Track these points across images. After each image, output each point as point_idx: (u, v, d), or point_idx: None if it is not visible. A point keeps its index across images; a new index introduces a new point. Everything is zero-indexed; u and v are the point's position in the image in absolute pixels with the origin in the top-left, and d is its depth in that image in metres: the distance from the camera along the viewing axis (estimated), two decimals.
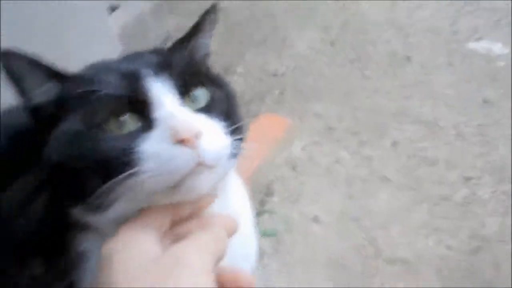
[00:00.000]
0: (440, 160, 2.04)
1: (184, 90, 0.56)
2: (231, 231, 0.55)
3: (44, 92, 0.56)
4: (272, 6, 3.12)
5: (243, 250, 0.71)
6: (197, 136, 0.48)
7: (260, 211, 1.80)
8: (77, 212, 0.56)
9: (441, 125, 2.22)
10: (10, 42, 1.03)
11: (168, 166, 0.48)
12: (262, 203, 1.84)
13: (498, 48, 2.66)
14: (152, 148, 0.49)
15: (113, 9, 2.36)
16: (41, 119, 0.57)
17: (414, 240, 1.71)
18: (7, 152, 0.70)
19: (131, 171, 0.48)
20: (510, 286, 1.54)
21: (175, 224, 0.54)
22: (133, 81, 0.53)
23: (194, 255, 0.46)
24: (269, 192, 1.90)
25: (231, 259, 0.52)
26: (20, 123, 0.73)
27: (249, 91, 2.45)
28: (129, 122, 0.51)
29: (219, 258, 0.49)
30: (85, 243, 0.59)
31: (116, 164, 0.48)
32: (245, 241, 0.72)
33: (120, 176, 0.47)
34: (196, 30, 0.69)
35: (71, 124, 0.53)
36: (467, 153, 2.06)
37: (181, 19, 2.99)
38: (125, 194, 0.50)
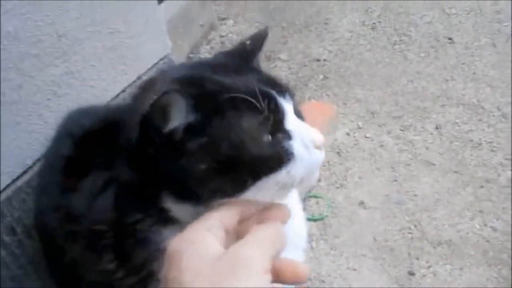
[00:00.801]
0: (484, 142, 2.06)
1: (294, 104, 0.67)
2: (285, 220, 0.58)
3: (185, 117, 0.60)
4: None
5: (294, 234, 0.79)
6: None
7: (307, 196, 1.88)
8: (175, 206, 0.63)
9: (485, 107, 2.23)
10: (67, 37, 1.14)
11: (313, 165, 0.62)
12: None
13: None
14: (301, 152, 0.61)
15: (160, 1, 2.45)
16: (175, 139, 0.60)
17: (459, 222, 1.76)
18: (77, 150, 0.79)
19: (287, 168, 0.60)
20: None
21: (241, 221, 0.57)
22: (271, 101, 0.62)
23: (253, 254, 0.47)
24: None
25: None
26: (87, 125, 0.82)
27: (292, 77, 2.52)
28: (271, 133, 0.62)
29: (279, 252, 0.51)
30: (166, 236, 0.64)
31: (272, 164, 0.59)
32: (295, 225, 0.81)
33: (278, 173, 0.59)
34: (257, 50, 0.76)
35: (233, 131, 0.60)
36: (511, 135, 2.08)
37: (225, 7, 3.07)
38: (269, 187, 0.60)
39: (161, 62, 1.50)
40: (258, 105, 0.59)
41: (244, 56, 0.73)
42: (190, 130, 0.59)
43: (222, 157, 0.57)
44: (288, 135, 0.62)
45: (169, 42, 1.52)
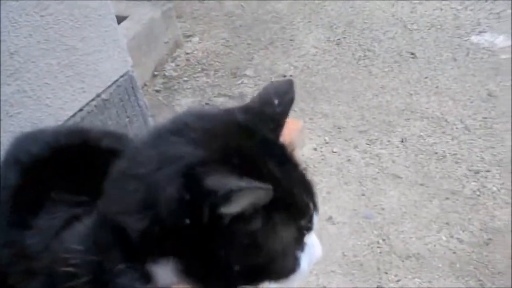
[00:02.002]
0: (448, 155, 2.09)
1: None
2: None
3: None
4: (278, 7, 3.17)
5: None
6: None
7: None
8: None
9: (448, 120, 2.27)
10: (20, 54, 1.10)
11: (307, 271, 0.62)
12: None
13: (500, 40, 2.70)
14: (305, 267, 0.61)
15: (121, 19, 2.42)
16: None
17: (426, 235, 1.77)
18: (25, 180, 0.71)
19: (289, 277, 0.59)
20: None
21: None
22: (312, 218, 0.61)
23: None
24: None
25: None
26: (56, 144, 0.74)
27: None
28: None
29: None
30: None
31: (284, 273, 0.58)
32: None
33: (282, 279, 0.58)
34: (285, 114, 0.64)
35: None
36: (474, 147, 2.11)
37: (190, 24, 3.06)
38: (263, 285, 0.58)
39: (122, 79, 1.47)
40: (305, 222, 0.59)
41: (272, 120, 0.61)
42: (238, 218, 0.53)
43: (253, 259, 0.55)
44: (302, 247, 0.60)
45: (129, 59, 1.49)
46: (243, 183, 0.49)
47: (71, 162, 0.65)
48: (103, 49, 1.37)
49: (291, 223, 0.57)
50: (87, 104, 1.35)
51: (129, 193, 0.54)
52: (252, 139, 0.57)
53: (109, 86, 1.42)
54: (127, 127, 1.55)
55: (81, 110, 1.33)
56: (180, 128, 0.57)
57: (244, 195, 0.49)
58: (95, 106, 1.38)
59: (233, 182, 0.49)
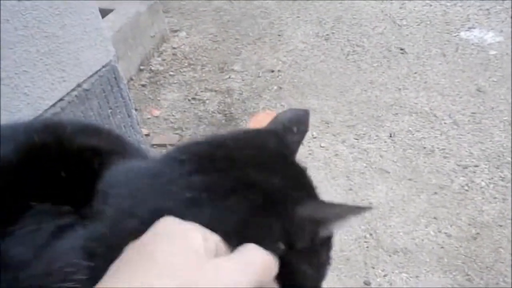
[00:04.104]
0: (437, 149, 2.08)
1: None
2: None
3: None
4: (266, 3, 3.14)
5: None
6: None
7: None
8: None
9: (437, 115, 2.26)
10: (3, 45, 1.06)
11: None
12: None
13: (489, 36, 2.70)
14: None
15: (107, 12, 2.38)
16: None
17: (413, 230, 1.75)
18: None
19: None
20: (510, 269, 1.59)
21: None
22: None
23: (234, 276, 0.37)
24: None
25: None
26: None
27: (247, 88, 2.48)
28: None
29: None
30: None
31: None
32: None
33: None
34: (301, 142, 0.63)
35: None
36: (463, 142, 2.10)
37: (177, 19, 3.02)
38: None
39: (104, 69, 1.43)
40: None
41: (289, 150, 0.59)
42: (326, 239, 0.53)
43: (323, 274, 0.53)
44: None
45: (112, 49, 1.46)
46: (344, 209, 0.49)
47: (45, 164, 0.58)
48: (84, 37, 1.33)
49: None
50: (68, 94, 1.31)
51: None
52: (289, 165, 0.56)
53: (91, 76, 1.38)
54: (110, 118, 1.51)
55: (61, 100, 1.29)
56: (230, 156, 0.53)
57: (346, 220, 0.49)
58: (76, 96, 1.34)
59: (330, 209, 0.49)
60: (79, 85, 1.34)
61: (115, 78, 1.49)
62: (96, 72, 1.40)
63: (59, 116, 1.27)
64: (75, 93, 1.33)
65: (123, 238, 0.45)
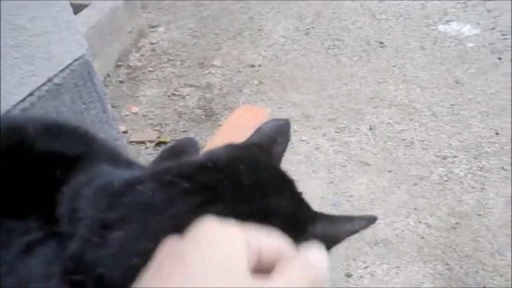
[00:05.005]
0: (416, 141, 2.08)
1: None
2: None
3: None
4: None
5: None
6: None
7: None
8: None
9: (416, 107, 2.26)
10: None
11: None
12: None
13: (466, 29, 2.71)
14: None
15: (82, 7, 2.34)
16: None
17: (394, 221, 1.75)
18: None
19: None
20: (489, 258, 1.60)
21: None
22: None
23: None
24: None
25: None
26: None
27: (227, 83, 2.46)
28: None
29: None
30: None
31: None
32: None
33: None
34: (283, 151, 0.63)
35: None
36: (441, 133, 2.11)
37: (156, 14, 2.99)
38: None
39: (76, 63, 1.40)
40: None
41: (278, 163, 0.59)
42: None
43: None
44: None
45: (84, 42, 1.42)
46: (354, 223, 0.51)
47: (8, 171, 0.53)
48: (54, 30, 1.29)
49: None
50: (38, 88, 1.27)
51: None
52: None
53: (62, 70, 1.34)
54: (84, 114, 1.48)
55: (31, 94, 1.25)
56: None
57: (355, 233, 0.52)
58: (47, 91, 1.30)
59: (341, 225, 0.51)
60: (50, 80, 1.31)
61: (89, 72, 1.46)
62: (68, 66, 1.36)
63: (28, 111, 1.24)
64: (45, 87, 1.30)
65: (100, 259, 0.42)
